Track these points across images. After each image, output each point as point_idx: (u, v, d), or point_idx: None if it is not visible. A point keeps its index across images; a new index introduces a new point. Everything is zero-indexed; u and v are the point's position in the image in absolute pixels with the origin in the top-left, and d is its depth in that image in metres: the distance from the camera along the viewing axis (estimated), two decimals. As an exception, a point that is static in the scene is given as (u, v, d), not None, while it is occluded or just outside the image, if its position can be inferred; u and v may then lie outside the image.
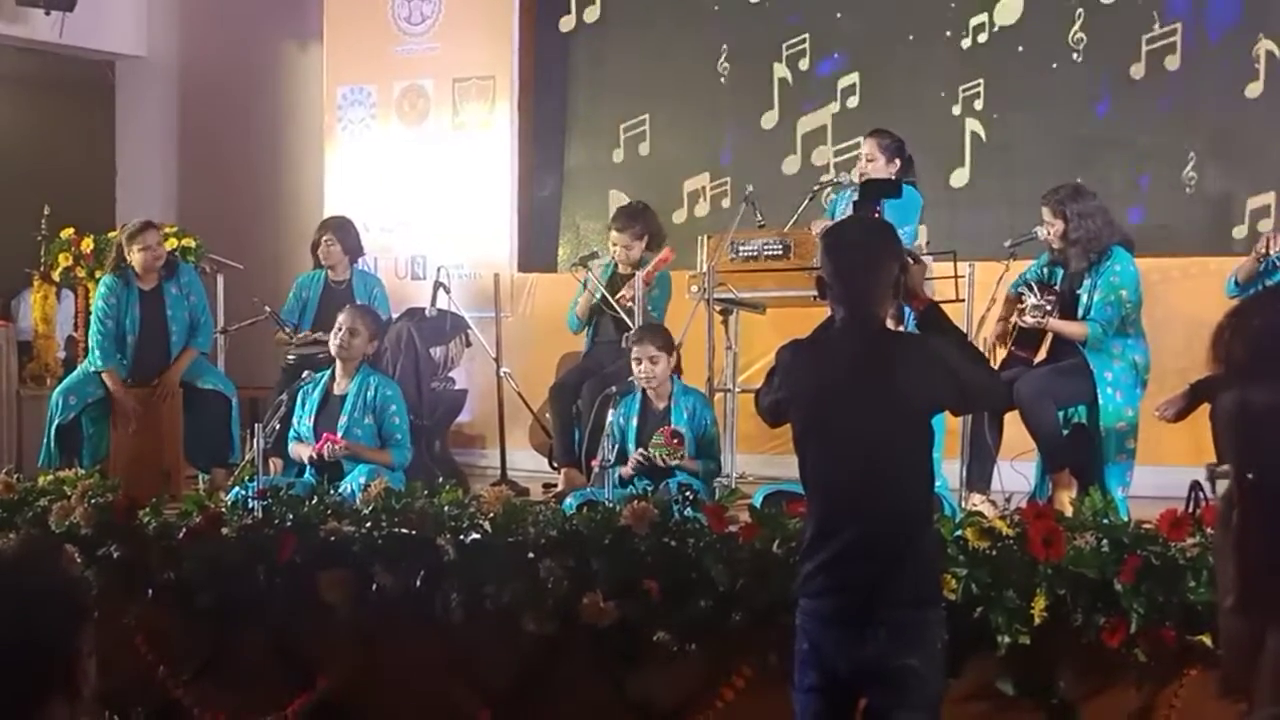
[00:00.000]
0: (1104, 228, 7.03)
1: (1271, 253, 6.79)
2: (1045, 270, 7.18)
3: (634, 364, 7.31)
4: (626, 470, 7.15)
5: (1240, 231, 8.64)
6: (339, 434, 7.50)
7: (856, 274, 4.20)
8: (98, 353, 8.44)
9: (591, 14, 10.61)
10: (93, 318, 8.68)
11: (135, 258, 8.47)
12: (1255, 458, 1.40)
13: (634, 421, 7.32)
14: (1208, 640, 5.15)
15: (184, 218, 11.07)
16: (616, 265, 8.46)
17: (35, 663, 2.38)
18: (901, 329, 5.24)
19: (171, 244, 9.34)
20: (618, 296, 8.18)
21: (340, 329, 7.67)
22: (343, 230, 9.08)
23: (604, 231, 8.70)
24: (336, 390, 7.68)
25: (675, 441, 7.12)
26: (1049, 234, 7.03)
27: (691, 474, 7.08)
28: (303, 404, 7.68)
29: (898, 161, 7.69)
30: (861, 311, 4.17)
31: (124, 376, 8.44)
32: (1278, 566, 1.37)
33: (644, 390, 7.34)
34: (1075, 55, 9.16)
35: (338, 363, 7.72)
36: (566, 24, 10.64)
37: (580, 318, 8.49)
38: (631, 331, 7.76)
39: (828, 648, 4.12)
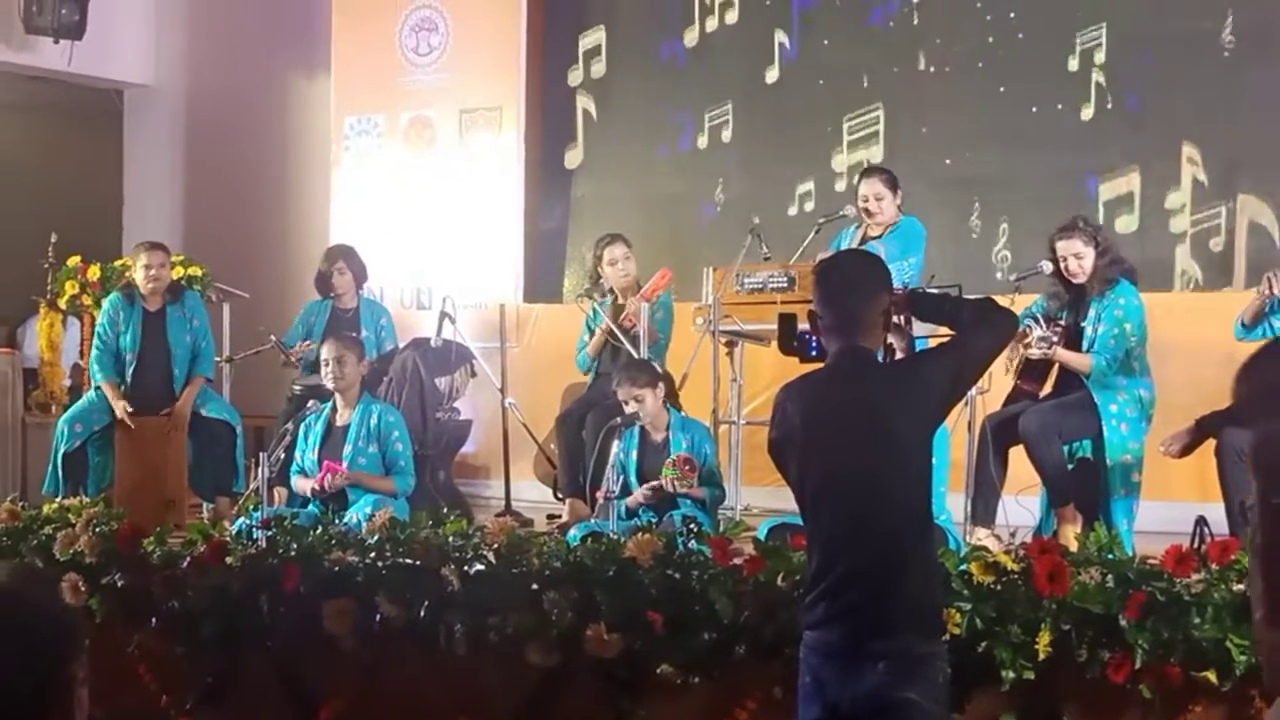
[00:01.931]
0: (1117, 259, 7.07)
1: (1274, 294, 6.79)
2: (1051, 304, 7.17)
3: (624, 406, 7.31)
4: (633, 500, 7.15)
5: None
6: (344, 464, 7.51)
7: (846, 302, 4.22)
8: (96, 366, 8.47)
9: (598, 61, 10.66)
10: (94, 332, 8.71)
11: (137, 274, 8.51)
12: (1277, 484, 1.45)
13: (634, 455, 7.32)
14: (1213, 677, 5.14)
15: (190, 246, 11.10)
16: (615, 296, 8.48)
17: (28, 692, 2.38)
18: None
19: (178, 272, 9.36)
20: (621, 317, 8.21)
21: (328, 363, 7.67)
22: (352, 257, 9.10)
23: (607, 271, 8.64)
24: (339, 421, 7.70)
25: (687, 468, 7.12)
26: (1078, 266, 6.98)
27: (698, 502, 7.07)
28: (305, 438, 7.69)
29: (899, 194, 7.71)
30: (852, 341, 4.18)
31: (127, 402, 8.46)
32: None
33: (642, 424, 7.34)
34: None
35: (338, 395, 7.73)
36: (574, 77, 10.71)
37: (591, 356, 8.51)
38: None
39: (829, 681, 4.12)
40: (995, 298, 4.81)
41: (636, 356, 7.87)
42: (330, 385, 7.71)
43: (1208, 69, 8.70)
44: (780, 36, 10.00)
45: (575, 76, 10.72)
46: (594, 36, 10.67)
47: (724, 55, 10.19)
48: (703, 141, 10.26)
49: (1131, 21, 8.92)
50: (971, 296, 4.70)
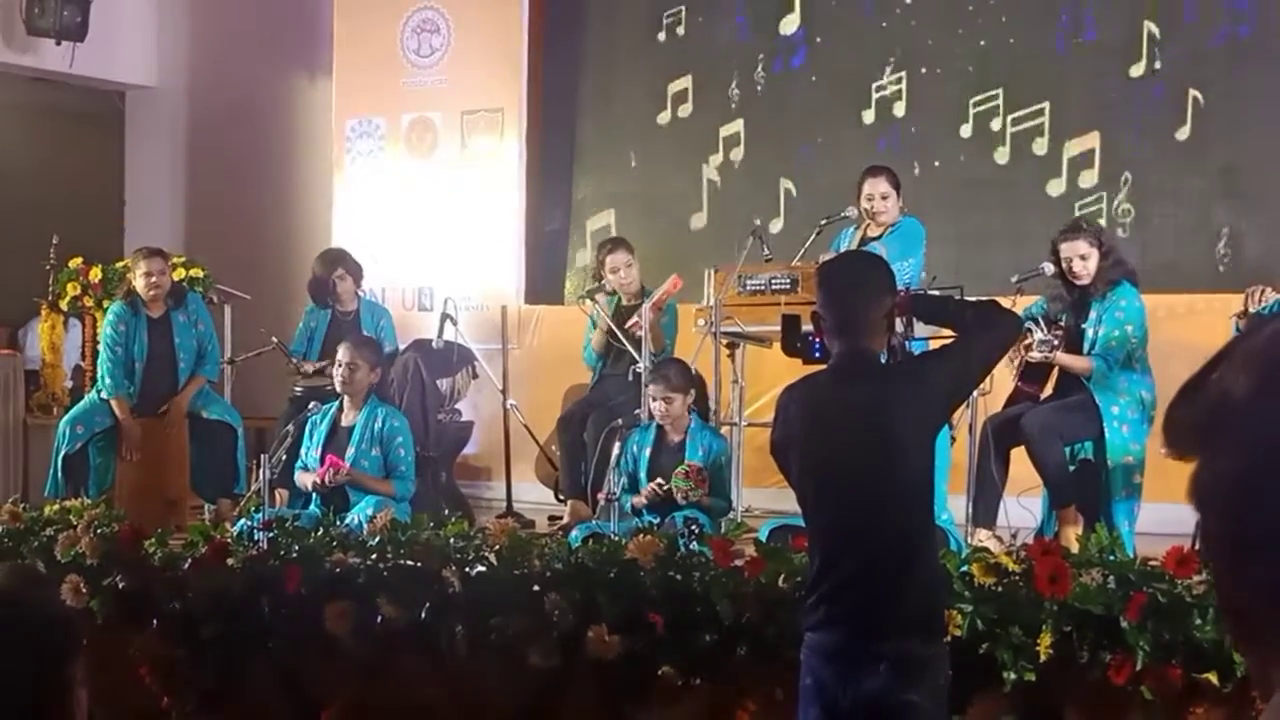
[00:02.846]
0: (1119, 261, 7.07)
1: (1251, 309, 6.77)
2: (1052, 306, 7.17)
3: (650, 400, 7.32)
4: (639, 500, 7.15)
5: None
6: (346, 464, 7.51)
7: (850, 304, 4.22)
8: (108, 380, 8.46)
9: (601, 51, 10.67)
10: (101, 345, 8.71)
11: (138, 282, 8.51)
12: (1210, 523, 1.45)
13: (647, 452, 7.32)
14: (1214, 678, 5.14)
15: (192, 248, 11.10)
16: (621, 298, 8.48)
17: (25, 693, 2.38)
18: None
19: (180, 274, 9.36)
20: (626, 326, 8.20)
21: (340, 365, 7.68)
22: (347, 260, 9.09)
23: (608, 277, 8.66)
24: (344, 422, 7.70)
25: (699, 478, 7.11)
26: (1082, 267, 6.97)
27: (704, 510, 7.07)
28: (310, 435, 7.70)
29: (900, 194, 7.72)
30: (855, 343, 4.18)
31: (132, 405, 8.47)
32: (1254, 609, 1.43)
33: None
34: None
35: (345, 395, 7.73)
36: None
37: (597, 352, 8.51)
38: (639, 363, 7.78)
39: (830, 682, 4.12)
40: (997, 299, 4.82)
41: (639, 359, 7.86)
42: (338, 388, 7.70)
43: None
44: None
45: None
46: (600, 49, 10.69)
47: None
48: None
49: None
50: (974, 298, 4.71)
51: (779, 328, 7.28)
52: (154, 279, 8.51)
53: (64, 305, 10.38)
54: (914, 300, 4.50)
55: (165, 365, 8.55)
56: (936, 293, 5.08)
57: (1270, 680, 1.32)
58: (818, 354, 4.38)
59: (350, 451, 7.56)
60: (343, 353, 7.72)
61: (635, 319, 8.16)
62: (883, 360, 4.30)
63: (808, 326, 4.41)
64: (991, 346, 4.33)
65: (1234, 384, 1.36)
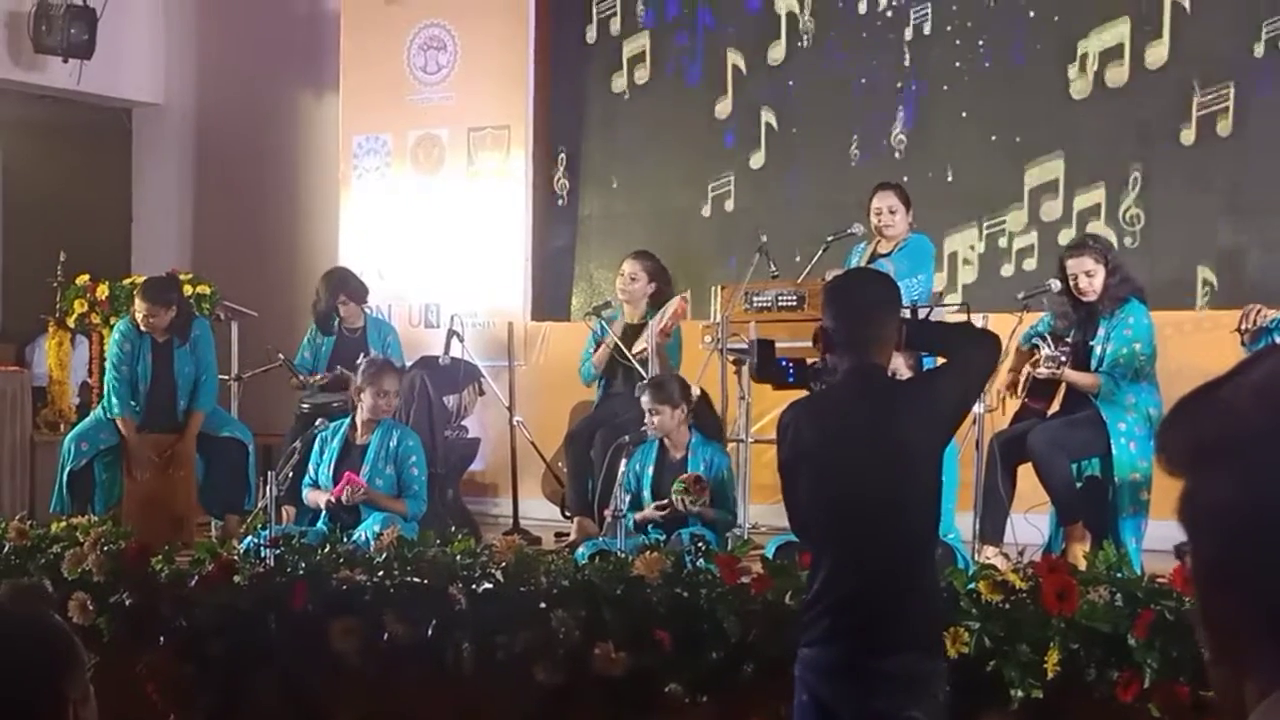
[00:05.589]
0: (1126, 278, 7.06)
1: (1245, 327, 6.74)
2: (1059, 323, 7.16)
3: (647, 415, 7.35)
4: (643, 516, 7.14)
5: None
6: (364, 482, 7.48)
7: (858, 320, 4.23)
8: (114, 400, 8.45)
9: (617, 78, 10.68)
10: (108, 364, 8.71)
11: (138, 318, 8.48)
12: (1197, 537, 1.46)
13: (650, 470, 7.32)
14: (1221, 695, 5.12)
15: (199, 264, 11.12)
16: (623, 312, 8.49)
17: (13, 711, 2.37)
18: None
19: (187, 291, 9.36)
20: (635, 352, 8.20)
21: (384, 394, 7.66)
22: (348, 285, 9.08)
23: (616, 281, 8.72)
24: (358, 440, 7.68)
25: (698, 486, 7.12)
26: (1088, 284, 6.95)
27: (708, 523, 7.07)
28: (321, 452, 7.68)
29: (910, 211, 7.72)
30: (863, 359, 4.19)
31: (139, 423, 8.45)
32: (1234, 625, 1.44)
33: (662, 440, 7.34)
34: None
35: (359, 413, 7.70)
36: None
37: (597, 368, 8.51)
38: (645, 380, 7.79)
39: (827, 699, 4.12)
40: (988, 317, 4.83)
41: (646, 376, 7.86)
42: (373, 413, 7.65)
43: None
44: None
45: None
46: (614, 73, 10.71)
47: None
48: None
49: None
50: (952, 320, 4.73)
51: (789, 342, 7.33)
52: (151, 320, 8.44)
53: (71, 322, 10.40)
54: (908, 327, 4.47)
55: (166, 387, 8.53)
56: (933, 319, 5.07)
57: (1241, 695, 1.34)
58: (791, 378, 4.36)
59: (365, 470, 7.55)
60: (386, 382, 7.68)
61: (644, 347, 8.17)
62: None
63: (804, 342, 4.41)
64: (986, 361, 4.39)
65: (1242, 414, 1.36)
